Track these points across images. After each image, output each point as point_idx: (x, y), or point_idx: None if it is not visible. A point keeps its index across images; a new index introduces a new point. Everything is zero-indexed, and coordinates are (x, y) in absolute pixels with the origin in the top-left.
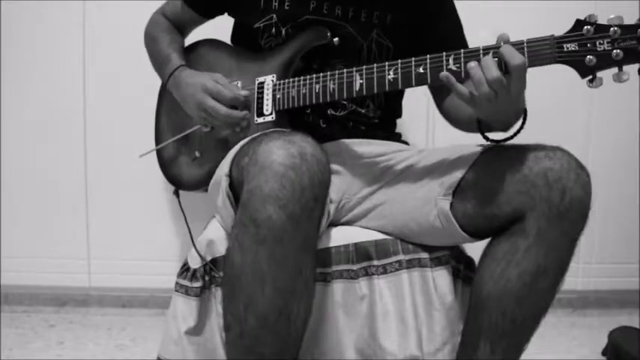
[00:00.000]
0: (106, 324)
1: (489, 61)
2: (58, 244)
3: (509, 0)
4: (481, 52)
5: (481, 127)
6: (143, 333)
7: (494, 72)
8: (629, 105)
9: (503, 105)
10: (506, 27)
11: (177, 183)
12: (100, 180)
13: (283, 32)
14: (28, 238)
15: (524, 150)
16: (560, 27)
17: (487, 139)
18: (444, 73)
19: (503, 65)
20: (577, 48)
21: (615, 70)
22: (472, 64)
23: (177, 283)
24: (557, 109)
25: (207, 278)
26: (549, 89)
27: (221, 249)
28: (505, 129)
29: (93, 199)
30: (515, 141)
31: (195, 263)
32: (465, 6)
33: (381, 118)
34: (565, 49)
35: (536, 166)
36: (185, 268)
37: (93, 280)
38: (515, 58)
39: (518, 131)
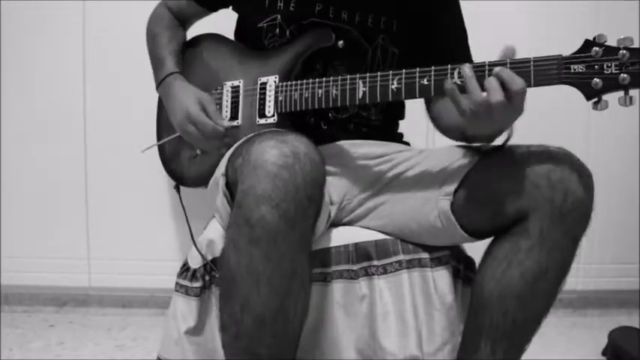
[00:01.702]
0: (106, 324)
1: (494, 83)
2: (58, 244)
3: (510, 0)
4: (487, 67)
5: (467, 137)
6: (143, 333)
7: (498, 96)
8: (630, 106)
9: (498, 124)
10: (507, 28)
11: (178, 179)
12: (100, 180)
13: (287, 33)
14: (28, 238)
15: (526, 151)
16: (562, 27)
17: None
18: (450, 85)
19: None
20: (584, 70)
21: (621, 93)
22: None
23: (177, 283)
24: (557, 109)
25: (207, 278)
26: (550, 89)
27: (221, 249)
28: (490, 141)
29: (93, 199)
30: (517, 141)
31: (195, 263)
32: (465, 7)
33: (383, 120)
34: (572, 71)
35: (539, 167)
36: (185, 268)
37: (93, 280)
38: (515, 82)
39: (504, 144)
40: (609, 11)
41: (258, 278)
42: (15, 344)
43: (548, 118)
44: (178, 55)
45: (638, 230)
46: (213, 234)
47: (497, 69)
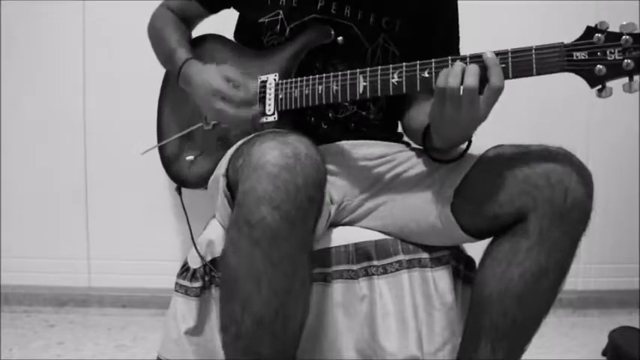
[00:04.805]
0: (106, 324)
1: (474, 69)
2: (58, 244)
3: (510, 0)
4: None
5: (425, 138)
6: (143, 333)
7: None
8: (629, 105)
9: (464, 119)
10: (507, 27)
11: (179, 180)
12: (100, 180)
13: (287, 31)
14: (28, 238)
15: (526, 150)
16: (560, 27)
17: (429, 154)
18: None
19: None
20: (587, 57)
21: (625, 79)
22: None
23: (177, 283)
24: (557, 109)
25: (206, 278)
26: (550, 90)
27: (220, 249)
28: (446, 146)
29: (93, 199)
30: (517, 141)
31: (195, 263)
32: (466, 7)
33: (383, 119)
34: (575, 58)
35: (539, 166)
36: (185, 269)
37: (93, 280)
38: (495, 75)
39: (461, 156)
40: (609, 11)
41: (258, 279)
42: (15, 344)
43: (548, 118)
44: (188, 45)
45: (638, 230)
46: (213, 234)
47: (489, 54)
